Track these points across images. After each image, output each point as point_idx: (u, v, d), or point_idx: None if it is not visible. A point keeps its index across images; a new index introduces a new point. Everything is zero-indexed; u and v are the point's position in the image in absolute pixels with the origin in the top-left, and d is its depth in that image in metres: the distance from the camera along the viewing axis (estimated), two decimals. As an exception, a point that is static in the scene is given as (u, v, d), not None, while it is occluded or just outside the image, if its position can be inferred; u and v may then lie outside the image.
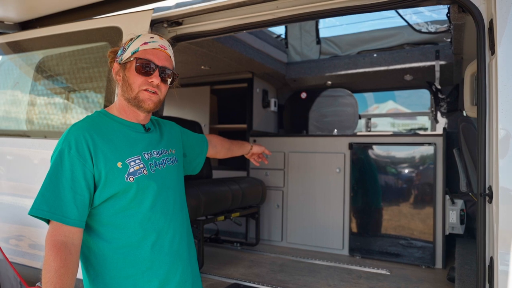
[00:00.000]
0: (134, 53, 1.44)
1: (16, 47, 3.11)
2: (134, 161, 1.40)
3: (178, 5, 2.63)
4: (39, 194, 1.29)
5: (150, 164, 1.45)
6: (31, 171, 2.69)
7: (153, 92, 1.44)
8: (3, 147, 2.91)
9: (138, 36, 1.50)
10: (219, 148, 1.97)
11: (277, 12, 2.32)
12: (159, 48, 1.46)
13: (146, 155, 1.45)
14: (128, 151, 1.41)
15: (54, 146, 1.35)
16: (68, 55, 2.86)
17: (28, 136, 2.87)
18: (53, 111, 2.87)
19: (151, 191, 1.42)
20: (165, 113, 4.34)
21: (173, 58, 1.54)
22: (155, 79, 1.43)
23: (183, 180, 1.64)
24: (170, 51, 1.52)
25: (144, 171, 1.41)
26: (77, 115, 2.68)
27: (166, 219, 1.45)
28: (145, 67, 1.42)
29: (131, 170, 1.38)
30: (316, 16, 2.26)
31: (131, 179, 1.37)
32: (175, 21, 2.63)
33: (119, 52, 1.50)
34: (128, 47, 1.47)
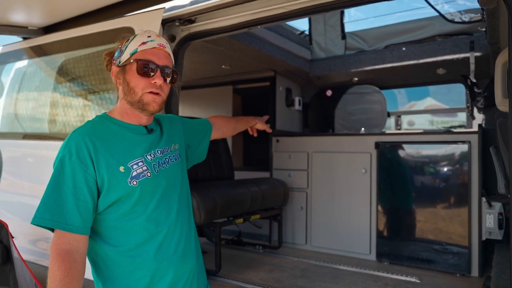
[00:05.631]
0: (132, 54, 1.39)
1: (37, 51, 3.18)
2: (137, 163, 1.37)
3: (190, 3, 2.58)
4: (41, 203, 1.27)
5: (154, 165, 1.42)
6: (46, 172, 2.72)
7: (157, 94, 1.40)
8: (25, 149, 2.97)
9: (134, 36, 1.45)
10: (224, 129, 1.98)
11: (289, 5, 2.21)
12: (158, 47, 1.42)
13: (148, 157, 1.42)
14: (130, 154, 1.38)
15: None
16: (84, 57, 2.88)
17: (49, 139, 2.92)
18: (71, 113, 2.90)
19: (155, 192, 1.40)
20: (187, 114, 4.32)
21: (172, 56, 1.49)
22: (158, 80, 1.38)
23: (187, 176, 1.61)
24: (168, 49, 1.47)
25: (148, 173, 1.38)
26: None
27: (171, 219, 1.43)
28: (146, 68, 1.37)
29: (134, 173, 1.35)
30: (330, 7, 2.12)
31: (135, 182, 1.34)
32: (187, 19, 2.58)
33: (116, 54, 1.45)
34: (125, 49, 1.42)
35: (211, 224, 2.90)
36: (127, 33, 2.56)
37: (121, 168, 1.34)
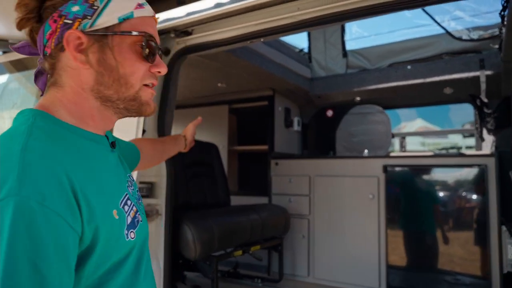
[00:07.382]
0: (124, 19, 0.84)
1: (17, 66, 2.91)
2: (126, 203, 0.87)
3: (186, 14, 2.36)
4: None
5: (137, 202, 0.95)
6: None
7: (152, 88, 0.92)
8: None
9: None
10: (152, 154, 1.47)
11: (298, 15, 1.99)
12: (154, 17, 0.93)
13: (130, 189, 0.94)
14: (117, 187, 0.88)
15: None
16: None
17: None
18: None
19: (144, 249, 0.93)
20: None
21: None
22: (163, 68, 0.91)
23: None
24: None
25: (139, 216, 0.91)
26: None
27: (153, 280, 0.98)
28: (151, 49, 0.87)
29: (129, 219, 0.85)
30: (343, 17, 1.91)
31: (132, 235, 0.85)
32: (183, 31, 2.35)
33: (77, 9, 0.81)
34: (106, 6, 0.83)
35: (207, 258, 2.60)
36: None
37: (115, 213, 0.81)
